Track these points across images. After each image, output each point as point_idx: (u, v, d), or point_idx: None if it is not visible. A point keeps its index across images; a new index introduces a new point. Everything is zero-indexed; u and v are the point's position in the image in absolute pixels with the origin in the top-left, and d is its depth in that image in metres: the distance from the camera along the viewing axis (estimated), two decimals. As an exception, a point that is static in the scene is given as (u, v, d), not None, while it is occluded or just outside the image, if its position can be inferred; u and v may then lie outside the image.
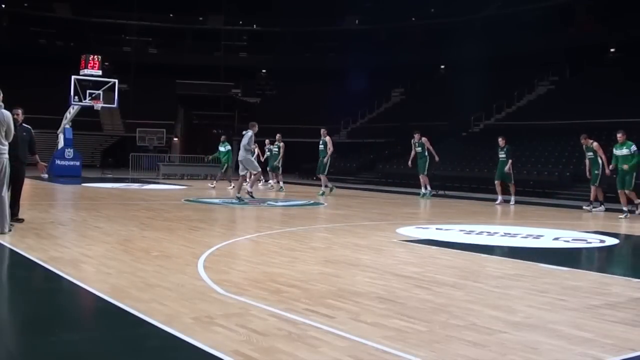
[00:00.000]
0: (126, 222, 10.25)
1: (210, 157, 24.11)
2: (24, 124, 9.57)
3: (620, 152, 13.91)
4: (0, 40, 41.62)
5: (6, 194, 8.31)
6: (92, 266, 6.36)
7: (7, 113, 8.29)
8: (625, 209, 13.56)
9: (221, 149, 21.61)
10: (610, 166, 14.22)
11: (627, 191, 13.72)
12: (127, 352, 3.82)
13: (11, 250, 7.18)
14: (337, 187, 20.32)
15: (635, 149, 13.71)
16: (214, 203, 15.23)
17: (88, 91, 26.62)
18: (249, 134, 15.35)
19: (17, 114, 9.31)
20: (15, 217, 9.21)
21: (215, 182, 21.97)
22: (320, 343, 3.91)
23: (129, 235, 8.71)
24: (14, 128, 8.46)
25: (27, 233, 8.45)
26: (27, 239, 7.89)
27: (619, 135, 13.98)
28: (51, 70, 38.76)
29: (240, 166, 15.57)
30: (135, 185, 21.77)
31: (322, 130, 18.93)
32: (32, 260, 6.53)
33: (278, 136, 21.77)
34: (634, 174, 13.74)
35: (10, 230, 8.33)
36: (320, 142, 19.08)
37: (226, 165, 21.48)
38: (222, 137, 22.40)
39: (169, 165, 31.32)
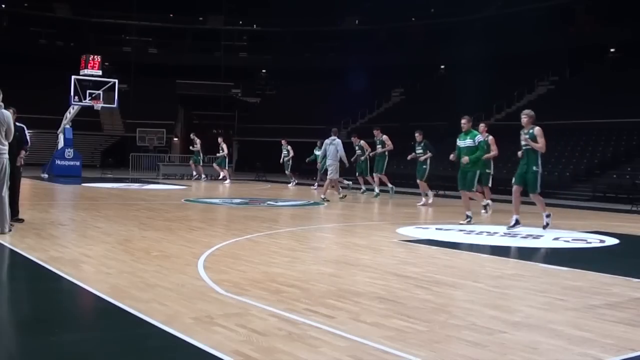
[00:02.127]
0: (126, 222, 10.25)
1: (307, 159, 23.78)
2: (17, 123, 9.51)
3: (463, 142, 11.35)
4: (0, 40, 41.60)
5: (6, 194, 8.31)
6: (92, 266, 6.36)
7: (7, 113, 8.29)
8: (468, 213, 11.40)
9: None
10: (451, 156, 11.87)
11: (469, 192, 11.64)
12: (127, 352, 3.82)
13: (11, 250, 7.19)
14: (346, 188, 20.31)
15: (482, 139, 11.44)
16: (214, 203, 15.24)
17: (88, 91, 26.61)
18: (339, 140, 16.66)
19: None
20: (15, 217, 9.21)
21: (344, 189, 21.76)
22: (320, 343, 3.91)
23: (129, 235, 8.71)
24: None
25: (27, 233, 8.45)
26: (27, 239, 7.89)
27: (463, 122, 11.42)
28: (51, 70, 38.74)
29: (330, 169, 16.73)
30: (135, 185, 21.77)
31: (375, 131, 18.43)
32: (32, 260, 6.53)
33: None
34: (477, 172, 11.49)
35: (10, 230, 8.33)
36: (357, 147, 19.40)
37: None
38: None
39: (169, 165, 31.32)
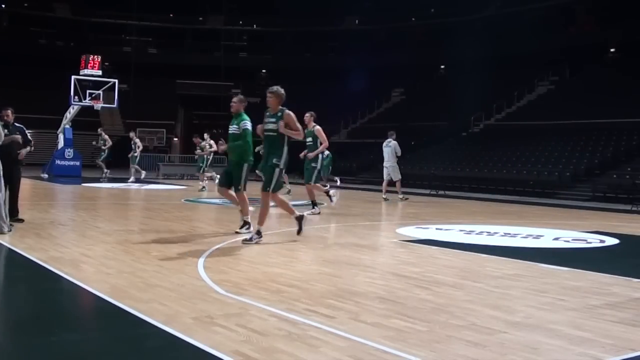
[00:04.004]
0: (126, 222, 10.26)
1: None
2: (15, 124, 9.51)
3: (230, 128, 9.35)
4: (0, 40, 41.59)
5: (3, 195, 8.30)
6: (92, 266, 6.36)
7: None
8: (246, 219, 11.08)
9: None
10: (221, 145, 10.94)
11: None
12: (127, 352, 3.82)
13: (11, 250, 7.18)
14: (337, 187, 20.28)
15: (248, 126, 9.06)
16: (214, 203, 15.22)
17: (88, 91, 26.62)
18: (395, 142, 17.02)
19: (7, 115, 9.27)
20: (15, 217, 9.22)
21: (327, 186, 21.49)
22: (320, 343, 3.91)
23: (129, 235, 8.71)
24: (7, 129, 8.46)
25: (27, 233, 8.45)
26: (27, 239, 7.89)
27: (232, 102, 9.39)
28: (51, 70, 38.74)
29: (386, 172, 17.27)
30: (135, 185, 21.76)
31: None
32: (32, 260, 6.53)
33: None
34: (245, 166, 9.19)
35: (10, 230, 8.33)
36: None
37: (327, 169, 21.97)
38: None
39: (169, 165, 31.31)
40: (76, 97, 26.33)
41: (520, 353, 3.82)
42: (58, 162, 26.96)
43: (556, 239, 9.67)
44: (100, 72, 27.34)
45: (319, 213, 12.31)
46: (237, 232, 8.83)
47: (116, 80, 27.56)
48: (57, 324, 4.35)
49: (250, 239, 8.03)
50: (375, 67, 40.57)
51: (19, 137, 9.20)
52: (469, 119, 32.43)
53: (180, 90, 44.51)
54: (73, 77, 26.54)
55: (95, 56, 27.55)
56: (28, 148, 9.54)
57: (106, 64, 31.68)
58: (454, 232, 10.12)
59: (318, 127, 13.03)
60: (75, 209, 13.36)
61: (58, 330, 4.17)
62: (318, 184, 12.99)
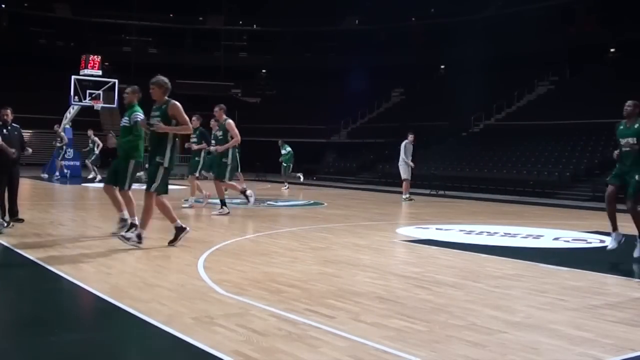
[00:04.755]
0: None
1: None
2: (13, 124, 9.51)
3: (122, 121, 9.09)
4: (0, 40, 41.58)
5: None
6: (92, 266, 6.36)
7: None
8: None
9: (282, 151, 22.34)
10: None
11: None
12: (127, 352, 3.81)
13: (11, 250, 7.18)
14: (337, 187, 20.29)
15: (139, 118, 8.75)
16: (214, 203, 15.20)
17: (88, 91, 26.60)
18: (404, 143, 17.23)
19: (6, 115, 9.27)
20: (15, 217, 9.22)
21: (286, 184, 21.99)
22: (320, 343, 3.91)
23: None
24: (6, 128, 8.46)
25: (27, 233, 8.45)
26: (27, 239, 7.89)
27: (127, 91, 9.07)
28: (51, 70, 38.73)
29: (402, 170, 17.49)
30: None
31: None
32: (32, 260, 6.53)
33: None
34: (132, 163, 8.87)
35: (8, 226, 8.32)
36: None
37: (287, 166, 22.44)
38: (280, 141, 22.95)
39: (169, 165, 31.22)
40: (76, 97, 26.32)
41: (520, 353, 3.82)
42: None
43: (556, 239, 9.66)
44: (100, 72, 27.33)
45: (227, 213, 11.51)
46: (122, 236, 7.61)
47: (116, 80, 27.54)
48: (57, 324, 4.35)
49: (128, 239, 7.36)
50: (375, 67, 40.58)
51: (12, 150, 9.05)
52: (469, 119, 32.43)
53: (180, 90, 44.47)
54: (73, 77, 26.53)
55: (95, 56, 27.55)
56: (27, 151, 9.57)
57: (106, 64, 31.68)
58: (454, 232, 10.12)
59: (230, 120, 12.10)
60: (75, 209, 13.36)
61: (58, 330, 4.17)
62: (233, 182, 12.30)
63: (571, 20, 37.18)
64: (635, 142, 7.55)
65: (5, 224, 8.67)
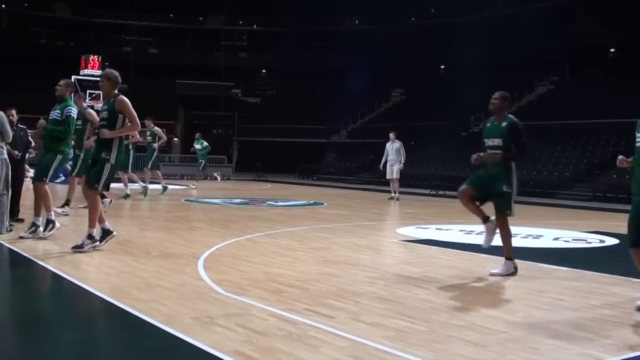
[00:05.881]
0: (126, 222, 10.26)
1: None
2: (19, 124, 9.54)
3: (52, 114, 8.83)
4: (0, 40, 41.57)
5: (5, 195, 8.29)
6: (92, 266, 6.36)
7: (0, 114, 8.22)
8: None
9: (197, 146, 22.25)
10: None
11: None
12: (127, 352, 3.82)
13: (11, 250, 7.18)
14: (337, 187, 20.32)
15: (73, 113, 8.56)
16: (214, 203, 15.23)
17: (88, 91, 26.65)
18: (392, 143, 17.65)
19: (12, 115, 9.30)
20: (15, 217, 9.22)
21: (196, 182, 22.29)
22: (320, 343, 3.91)
23: (129, 235, 8.72)
24: (11, 128, 8.45)
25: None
26: (27, 239, 7.88)
27: (60, 84, 8.81)
28: (51, 71, 38.68)
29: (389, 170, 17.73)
30: (135, 185, 21.73)
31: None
32: (32, 260, 6.53)
33: None
34: (57, 159, 8.31)
35: (10, 231, 8.32)
36: (148, 134, 18.00)
37: (203, 162, 22.44)
38: (197, 135, 22.90)
39: (169, 165, 31.30)
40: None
41: (520, 353, 3.82)
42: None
43: (556, 239, 9.67)
44: (100, 72, 27.33)
45: (67, 214, 11.16)
46: (75, 248, 7.09)
47: (116, 81, 27.52)
48: (57, 324, 4.35)
49: (82, 246, 7.02)
50: (375, 67, 40.56)
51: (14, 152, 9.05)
52: (469, 119, 32.41)
53: (180, 90, 44.49)
54: (73, 77, 26.57)
55: (95, 56, 27.63)
56: (30, 153, 9.61)
57: (106, 63, 31.63)
58: (454, 232, 10.12)
59: (90, 110, 11.83)
60: (75, 209, 13.36)
61: (58, 330, 4.18)
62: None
63: (571, 20, 37.16)
64: None
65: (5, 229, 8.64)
